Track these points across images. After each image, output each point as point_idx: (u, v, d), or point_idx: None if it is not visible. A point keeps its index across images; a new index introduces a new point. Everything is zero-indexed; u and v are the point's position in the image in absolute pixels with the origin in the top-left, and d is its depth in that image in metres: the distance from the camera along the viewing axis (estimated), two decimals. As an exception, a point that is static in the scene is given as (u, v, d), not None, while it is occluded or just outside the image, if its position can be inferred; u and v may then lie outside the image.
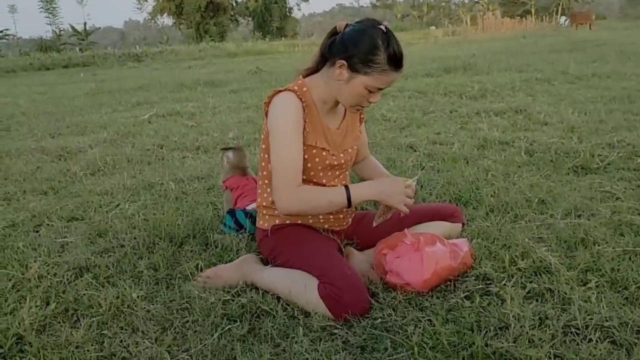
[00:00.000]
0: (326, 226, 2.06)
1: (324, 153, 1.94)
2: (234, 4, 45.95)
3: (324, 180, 1.99)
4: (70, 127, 5.76)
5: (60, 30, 42.72)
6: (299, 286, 1.76)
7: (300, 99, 1.84)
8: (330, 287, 1.69)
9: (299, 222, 2.02)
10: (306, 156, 1.89)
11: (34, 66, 21.00)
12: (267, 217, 2.05)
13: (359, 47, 1.74)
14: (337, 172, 2.04)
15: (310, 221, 2.03)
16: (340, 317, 1.67)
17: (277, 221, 2.02)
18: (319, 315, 1.69)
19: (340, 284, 1.69)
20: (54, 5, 44.97)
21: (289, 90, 1.85)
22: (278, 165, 1.81)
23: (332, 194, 1.83)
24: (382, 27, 1.76)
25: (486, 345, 1.49)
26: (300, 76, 1.94)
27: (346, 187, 1.82)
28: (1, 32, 36.26)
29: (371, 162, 2.27)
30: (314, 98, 1.90)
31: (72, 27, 42.02)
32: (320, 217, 2.04)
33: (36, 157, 4.28)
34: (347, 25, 1.83)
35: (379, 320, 1.66)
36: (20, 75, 18.16)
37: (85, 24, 42.05)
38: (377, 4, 69.09)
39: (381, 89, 1.81)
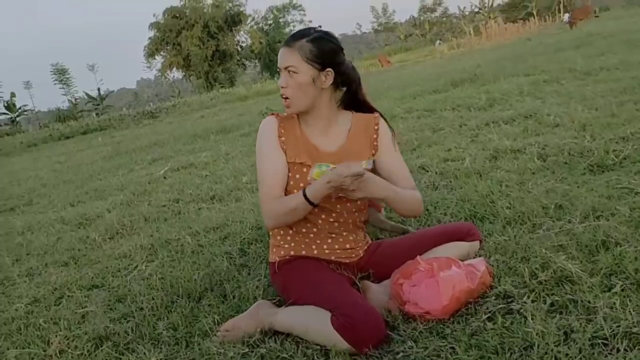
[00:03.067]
0: (333, 257, 2.05)
1: (305, 169, 1.96)
2: (239, 49, 46.85)
3: None
4: (89, 193, 5.85)
5: (76, 99, 44.05)
6: (314, 323, 1.75)
7: (279, 117, 1.99)
8: (343, 317, 1.67)
9: (303, 253, 2.03)
10: (290, 174, 1.96)
11: (53, 137, 21.56)
12: (273, 249, 2.09)
13: None
14: None
15: (315, 252, 2.04)
16: (358, 347, 1.64)
17: (281, 252, 2.05)
18: (340, 353, 1.65)
19: (352, 313, 1.68)
20: (67, 76, 46.43)
21: (272, 114, 2.02)
22: (258, 182, 1.96)
23: (293, 200, 1.89)
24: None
25: (511, 368, 1.43)
26: None
27: (303, 189, 1.88)
28: (19, 108, 37.42)
29: None
30: (298, 117, 2.01)
31: (87, 94, 43.32)
32: (325, 248, 2.04)
33: (56, 227, 4.33)
34: None
35: (401, 354, 1.61)
36: (41, 147, 18.65)
37: (99, 89, 43.37)
38: (380, 29, 69.80)
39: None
